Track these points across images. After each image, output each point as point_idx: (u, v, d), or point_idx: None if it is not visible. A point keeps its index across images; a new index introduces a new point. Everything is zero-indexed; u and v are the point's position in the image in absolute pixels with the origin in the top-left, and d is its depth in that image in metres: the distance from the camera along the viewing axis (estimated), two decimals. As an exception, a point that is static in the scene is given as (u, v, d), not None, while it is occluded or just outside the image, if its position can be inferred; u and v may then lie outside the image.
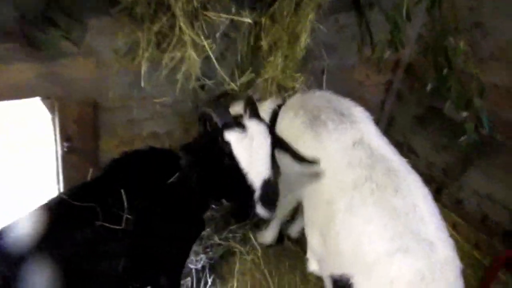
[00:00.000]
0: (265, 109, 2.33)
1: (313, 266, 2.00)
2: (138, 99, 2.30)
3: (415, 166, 3.71)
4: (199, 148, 1.86)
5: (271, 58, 2.35)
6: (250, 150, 1.65)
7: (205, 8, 1.96)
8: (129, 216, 1.50)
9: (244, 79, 2.25)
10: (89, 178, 2.00)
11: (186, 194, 1.87)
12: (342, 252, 1.64)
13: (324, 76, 2.74)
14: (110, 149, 2.37)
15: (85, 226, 1.45)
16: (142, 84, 2.12)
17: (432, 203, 1.67)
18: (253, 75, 2.28)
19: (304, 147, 2.05)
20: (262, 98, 2.44)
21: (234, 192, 1.76)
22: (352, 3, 2.84)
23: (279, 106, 2.24)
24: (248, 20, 2.08)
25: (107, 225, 1.47)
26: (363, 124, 1.94)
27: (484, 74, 2.80)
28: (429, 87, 2.73)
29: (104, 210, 1.49)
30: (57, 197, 1.61)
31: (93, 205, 1.49)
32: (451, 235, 3.44)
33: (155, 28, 1.94)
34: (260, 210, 1.62)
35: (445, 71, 2.57)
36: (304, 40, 2.28)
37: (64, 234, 1.41)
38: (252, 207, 1.62)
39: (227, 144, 1.66)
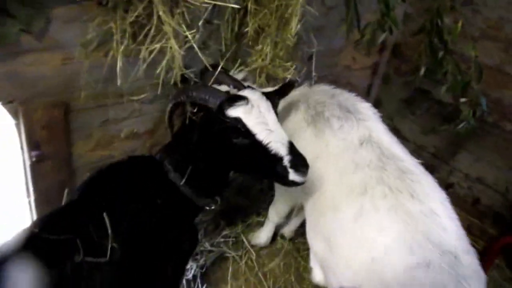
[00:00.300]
0: None
1: (318, 277, 1.85)
2: (114, 97, 2.06)
3: (404, 151, 3.63)
4: (191, 141, 1.67)
5: (259, 47, 2.15)
6: (262, 118, 1.53)
7: (185, -8, 1.73)
8: (114, 245, 1.29)
9: (232, 71, 2.04)
10: (63, 202, 1.77)
11: (179, 203, 1.69)
12: (353, 266, 1.48)
13: (313, 63, 2.56)
14: (86, 154, 2.14)
15: (63, 263, 1.22)
16: (118, 82, 1.88)
17: (450, 207, 1.53)
18: (243, 67, 2.08)
19: (304, 145, 1.89)
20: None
21: (261, 170, 1.62)
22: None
23: (279, 98, 2.02)
24: (233, 5, 1.86)
25: (89, 259, 1.25)
26: (370, 122, 1.77)
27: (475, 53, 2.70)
28: (422, 71, 2.59)
29: (85, 240, 1.27)
30: (27, 231, 1.34)
31: (72, 237, 1.26)
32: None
33: (130, 17, 1.69)
34: (294, 176, 1.50)
35: (440, 54, 2.44)
36: (295, 25, 2.09)
37: (39, 275, 1.18)
38: (286, 177, 1.50)
39: (237, 121, 1.51)
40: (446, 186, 3.50)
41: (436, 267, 1.31)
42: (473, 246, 3.12)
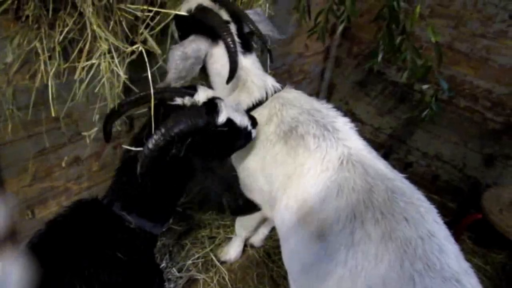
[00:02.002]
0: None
1: None
2: (49, 123, 1.77)
3: (361, 134, 3.62)
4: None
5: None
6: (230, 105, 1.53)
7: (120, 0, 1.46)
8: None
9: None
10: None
11: (140, 244, 1.47)
12: None
13: (268, 56, 2.37)
14: (22, 189, 1.84)
15: None
16: (52, 107, 1.59)
17: (441, 221, 1.43)
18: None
19: (271, 162, 1.72)
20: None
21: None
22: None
23: (257, 104, 1.81)
24: (180, 13, 1.61)
25: None
26: (349, 140, 1.60)
27: (425, 32, 2.65)
28: (379, 57, 2.49)
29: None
30: None
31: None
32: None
33: (58, 34, 1.40)
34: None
35: (398, 39, 2.34)
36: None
37: None
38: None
39: (230, 122, 1.49)
40: (405, 165, 3.53)
41: None
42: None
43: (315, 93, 3.74)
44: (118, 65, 1.53)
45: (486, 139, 3.02)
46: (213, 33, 1.68)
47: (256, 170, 1.78)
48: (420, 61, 2.31)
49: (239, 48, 1.68)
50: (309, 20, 2.60)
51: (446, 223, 3.13)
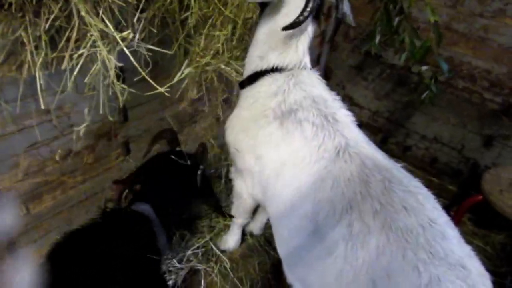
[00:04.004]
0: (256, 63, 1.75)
1: None
2: (39, 116, 1.71)
3: (359, 118, 3.58)
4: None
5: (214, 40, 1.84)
6: None
7: (111, -16, 1.39)
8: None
9: (177, 78, 1.71)
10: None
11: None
12: None
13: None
14: (14, 185, 1.79)
15: None
16: (41, 99, 1.53)
17: (440, 207, 1.39)
18: (189, 70, 1.76)
19: (264, 141, 1.67)
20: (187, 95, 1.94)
21: None
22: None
23: (280, 69, 1.68)
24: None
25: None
26: (347, 130, 1.55)
27: (423, 12, 2.60)
28: (377, 39, 2.44)
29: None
30: None
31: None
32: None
33: (44, 22, 1.34)
34: None
35: (396, 20, 2.28)
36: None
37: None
38: None
39: None
40: (404, 149, 3.50)
41: (447, 284, 1.19)
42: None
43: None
44: (108, 53, 1.47)
45: (485, 120, 2.99)
46: None
47: (247, 148, 1.74)
48: (419, 42, 2.26)
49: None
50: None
51: (446, 205, 3.15)
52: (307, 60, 1.74)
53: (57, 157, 1.86)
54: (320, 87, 1.70)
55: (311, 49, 3.21)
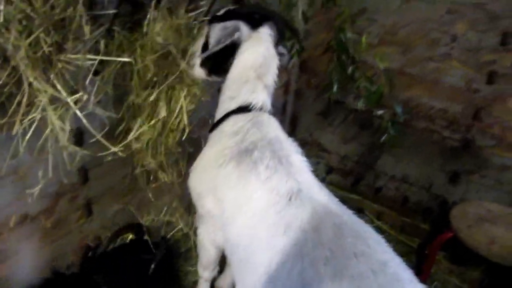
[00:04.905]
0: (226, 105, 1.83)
1: None
2: (-8, 181, 1.67)
3: (329, 163, 3.61)
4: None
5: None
6: None
7: (60, 49, 1.43)
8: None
9: (131, 137, 1.71)
10: None
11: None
12: None
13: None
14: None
15: None
16: (-9, 166, 1.51)
17: (391, 251, 1.38)
18: (145, 128, 1.76)
19: (221, 183, 1.66)
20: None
21: None
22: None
23: (246, 108, 1.74)
24: (123, 59, 1.60)
25: None
26: (300, 174, 1.57)
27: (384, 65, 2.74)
28: (335, 88, 2.55)
29: None
30: None
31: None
32: (377, 226, 3.46)
33: (-9, 89, 1.35)
34: None
35: (350, 69, 2.40)
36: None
37: None
38: None
39: None
40: (375, 190, 3.53)
41: None
42: (410, 246, 3.26)
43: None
44: (60, 117, 1.47)
45: (448, 157, 3.08)
46: (255, 21, 1.74)
47: (207, 190, 1.73)
48: (373, 88, 2.37)
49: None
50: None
51: (420, 245, 3.14)
52: (268, 103, 1.81)
53: (11, 223, 1.80)
54: (277, 130, 1.74)
55: (277, 98, 3.31)
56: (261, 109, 1.76)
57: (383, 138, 2.44)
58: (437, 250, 2.79)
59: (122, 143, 1.62)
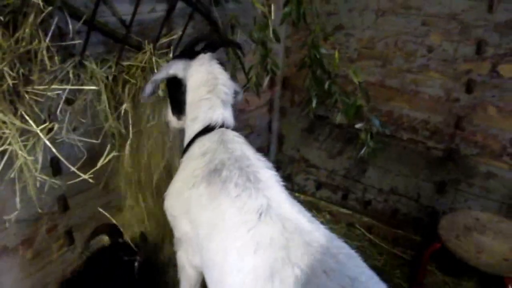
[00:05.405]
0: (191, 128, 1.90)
1: None
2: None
3: (318, 179, 3.61)
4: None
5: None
6: None
7: (27, 81, 1.45)
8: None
9: (100, 164, 1.71)
10: None
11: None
12: None
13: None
14: None
15: None
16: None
17: (364, 265, 1.37)
18: (113, 154, 1.77)
19: (199, 206, 1.66)
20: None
21: None
22: (212, 31, 2.55)
23: (208, 128, 1.81)
24: (90, 87, 1.62)
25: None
26: (270, 190, 1.56)
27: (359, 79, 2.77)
28: (314, 103, 2.57)
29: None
30: None
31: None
32: (369, 239, 3.44)
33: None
34: None
35: (326, 84, 2.43)
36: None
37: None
38: None
39: None
40: (365, 204, 3.52)
41: None
42: (404, 258, 3.23)
43: (265, 145, 3.77)
44: (23, 153, 1.48)
45: (433, 167, 3.08)
46: (191, 53, 1.89)
47: (182, 212, 1.73)
48: (349, 101, 2.39)
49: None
50: (244, 77, 2.67)
51: (413, 257, 3.11)
52: (230, 118, 1.88)
53: (-11, 257, 1.79)
54: (244, 146, 1.76)
55: (262, 116, 3.32)
56: (223, 126, 1.82)
57: (363, 151, 2.44)
58: (427, 262, 2.77)
59: (91, 171, 1.61)
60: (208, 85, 1.84)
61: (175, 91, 1.92)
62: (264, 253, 1.35)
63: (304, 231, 1.39)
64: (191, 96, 1.88)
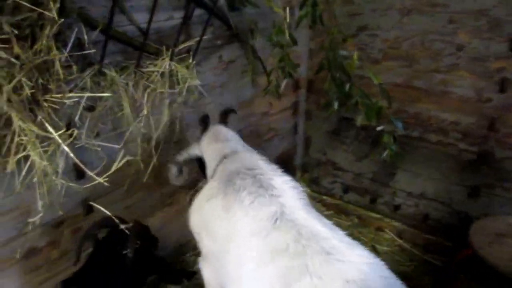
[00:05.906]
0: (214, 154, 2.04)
1: None
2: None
3: (345, 181, 3.54)
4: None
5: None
6: None
7: (46, 90, 1.52)
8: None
9: (114, 168, 1.76)
10: None
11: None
12: None
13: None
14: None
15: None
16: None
17: (389, 273, 1.30)
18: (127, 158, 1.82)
19: (215, 216, 1.68)
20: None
21: None
22: (231, 36, 2.58)
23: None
24: (105, 94, 1.68)
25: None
26: (284, 197, 1.55)
27: (383, 75, 2.69)
28: (335, 105, 2.53)
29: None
30: None
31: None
32: (399, 245, 3.32)
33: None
34: None
35: (347, 86, 2.38)
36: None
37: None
38: None
39: None
40: (394, 208, 3.42)
41: None
42: (435, 264, 3.10)
43: (291, 148, 3.74)
44: (39, 159, 1.55)
45: (466, 171, 2.94)
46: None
47: (202, 227, 1.76)
48: (370, 103, 2.33)
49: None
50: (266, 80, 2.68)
51: (445, 263, 2.97)
52: (239, 145, 2.05)
53: (18, 256, 1.88)
54: (256, 157, 1.77)
55: (287, 119, 3.29)
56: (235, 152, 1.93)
57: (385, 154, 2.37)
58: (457, 268, 2.64)
59: (106, 174, 1.67)
60: (213, 137, 2.09)
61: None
62: (281, 261, 1.32)
63: (321, 238, 1.35)
64: (207, 152, 2.07)
